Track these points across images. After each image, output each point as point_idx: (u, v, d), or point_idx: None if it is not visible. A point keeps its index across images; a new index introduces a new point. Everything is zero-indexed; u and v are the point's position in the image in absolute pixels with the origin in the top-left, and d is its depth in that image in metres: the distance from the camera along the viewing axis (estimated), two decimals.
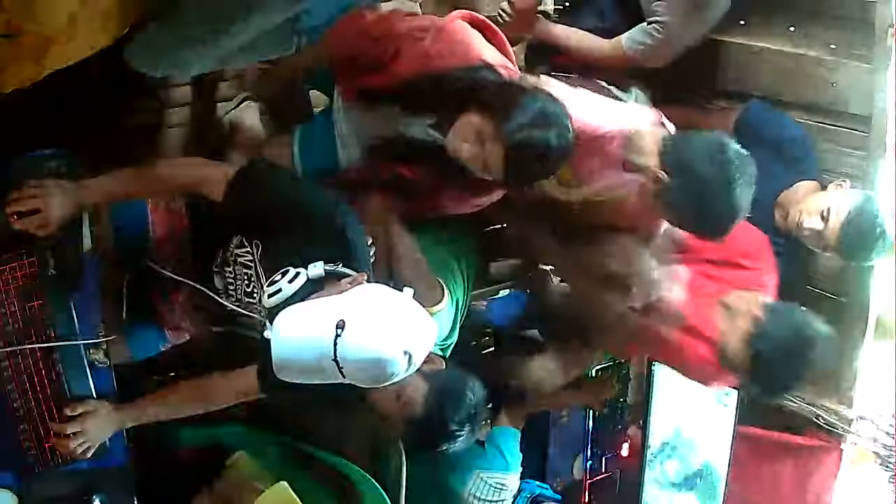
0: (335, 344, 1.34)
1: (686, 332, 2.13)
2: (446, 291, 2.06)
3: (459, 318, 2.14)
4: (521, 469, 2.41)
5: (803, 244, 2.30)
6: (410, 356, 1.38)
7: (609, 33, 2.39)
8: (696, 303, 2.12)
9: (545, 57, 2.61)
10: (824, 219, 2.16)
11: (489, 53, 1.87)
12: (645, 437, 2.76)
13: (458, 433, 1.77)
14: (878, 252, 2.18)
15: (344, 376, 1.37)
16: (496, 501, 2.33)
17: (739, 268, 2.15)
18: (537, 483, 2.61)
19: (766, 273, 2.16)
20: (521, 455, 2.40)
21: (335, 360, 1.34)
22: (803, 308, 2.04)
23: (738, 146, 1.82)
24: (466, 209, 2.10)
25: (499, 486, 2.32)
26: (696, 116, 2.47)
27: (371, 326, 1.36)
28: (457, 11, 1.95)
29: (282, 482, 1.90)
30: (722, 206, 1.80)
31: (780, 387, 2.03)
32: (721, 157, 1.79)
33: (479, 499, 2.31)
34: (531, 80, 1.97)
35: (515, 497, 2.42)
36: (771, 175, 2.29)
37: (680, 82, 2.51)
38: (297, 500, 1.87)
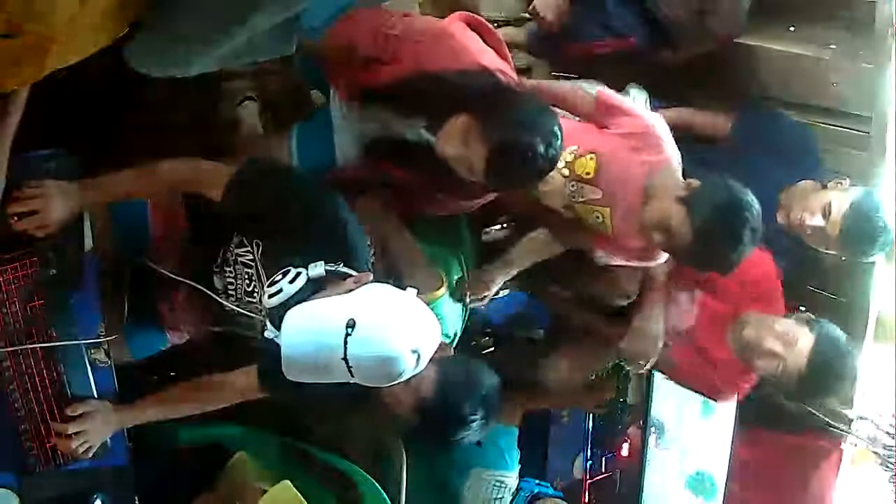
0: (345, 343, 1.34)
1: (699, 354, 2.29)
2: (445, 281, 2.06)
3: (464, 312, 2.14)
4: (519, 467, 2.41)
5: (805, 244, 2.30)
6: (419, 355, 1.39)
7: (613, 32, 2.39)
8: (710, 329, 2.24)
9: (548, 54, 2.62)
10: (825, 215, 2.16)
11: (487, 57, 1.87)
12: (645, 437, 2.76)
13: (472, 418, 1.71)
14: (880, 247, 2.18)
15: (353, 375, 1.37)
16: (495, 499, 2.33)
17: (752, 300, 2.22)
18: (536, 482, 2.61)
19: (778, 305, 2.23)
20: (519, 453, 2.40)
21: (345, 358, 1.34)
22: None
23: (755, 202, 1.89)
24: (456, 211, 2.11)
25: (498, 484, 2.32)
26: (697, 116, 2.47)
27: (381, 325, 1.36)
28: (456, 13, 1.94)
29: (285, 481, 1.90)
30: (730, 253, 1.88)
31: (834, 386, 2.18)
32: (741, 211, 1.86)
33: (479, 497, 2.31)
34: (528, 84, 1.98)
35: (514, 496, 2.42)
36: (772, 175, 2.30)
37: (679, 82, 2.51)
38: (301, 498, 1.87)
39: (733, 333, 2.18)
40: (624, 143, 1.99)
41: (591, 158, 2.00)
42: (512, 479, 2.37)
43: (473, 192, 2.02)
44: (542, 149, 1.71)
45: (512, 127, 1.70)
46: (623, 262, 2.15)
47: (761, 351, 2.10)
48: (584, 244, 2.17)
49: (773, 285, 2.22)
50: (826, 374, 2.08)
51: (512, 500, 2.43)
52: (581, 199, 2.05)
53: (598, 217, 2.05)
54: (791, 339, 2.08)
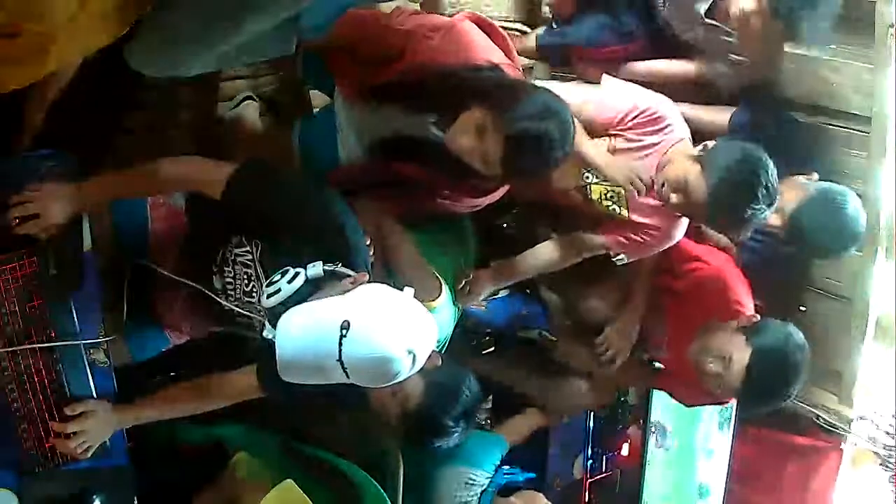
0: (340, 345, 1.34)
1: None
2: (444, 286, 2.06)
3: (456, 314, 2.15)
4: (493, 470, 2.35)
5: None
6: (414, 356, 1.38)
7: (620, 33, 2.39)
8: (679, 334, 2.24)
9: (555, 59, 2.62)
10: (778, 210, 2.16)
11: (496, 55, 1.88)
12: (645, 437, 2.76)
13: (451, 430, 1.81)
14: (837, 246, 2.18)
15: (348, 377, 1.37)
16: (464, 502, 2.29)
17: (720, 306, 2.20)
18: (504, 470, 2.49)
19: (745, 304, 2.20)
20: (498, 457, 2.36)
21: (340, 360, 1.34)
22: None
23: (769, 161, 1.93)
24: (464, 209, 2.11)
25: (469, 482, 2.28)
26: (695, 112, 2.46)
27: (375, 327, 1.35)
28: (465, 12, 1.96)
29: (288, 480, 1.90)
30: (745, 208, 1.90)
31: (774, 399, 2.12)
32: (755, 167, 1.90)
33: (448, 494, 2.28)
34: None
35: (482, 493, 2.36)
36: None
37: (682, 89, 2.50)
38: (306, 497, 1.87)
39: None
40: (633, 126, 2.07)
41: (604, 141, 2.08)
42: (482, 478, 2.33)
43: (481, 189, 2.03)
44: (557, 136, 1.73)
45: (527, 116, 1.72)
46: (637, 253, 2.15)
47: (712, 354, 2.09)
48: (595, 242, 2.17)
49: (732, 293, 2.20)
50: (768, 373, 2.04)
51: (479, 499, 2.37)
52: (596, 180, 2.10)
53: (612, 196, 2.09)
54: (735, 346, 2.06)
